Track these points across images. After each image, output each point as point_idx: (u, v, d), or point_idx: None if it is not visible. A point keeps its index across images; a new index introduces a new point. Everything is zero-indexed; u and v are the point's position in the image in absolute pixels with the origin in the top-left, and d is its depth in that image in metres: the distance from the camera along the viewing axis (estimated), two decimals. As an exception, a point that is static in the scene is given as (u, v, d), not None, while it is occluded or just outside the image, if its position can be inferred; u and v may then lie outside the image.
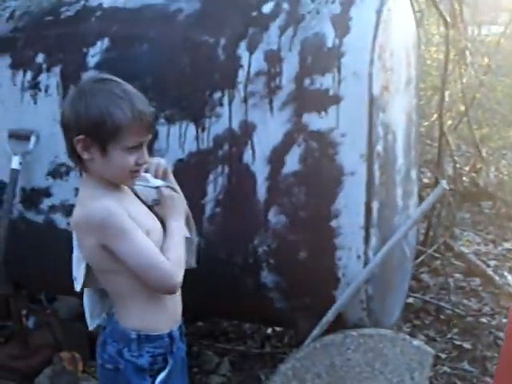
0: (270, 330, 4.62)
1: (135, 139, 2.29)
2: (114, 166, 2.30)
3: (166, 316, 2.48)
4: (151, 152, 3.22)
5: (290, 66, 3.12)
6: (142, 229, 2.32)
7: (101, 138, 2.26)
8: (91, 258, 2.38)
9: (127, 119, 2.25)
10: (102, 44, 3.51)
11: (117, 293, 2.44)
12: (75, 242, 2.46)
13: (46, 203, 3.60)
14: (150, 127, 2.34)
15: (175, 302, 2.52)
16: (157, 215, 2.51)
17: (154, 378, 2.44)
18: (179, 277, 2.36)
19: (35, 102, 3.60)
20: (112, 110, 2.24)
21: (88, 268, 2.44)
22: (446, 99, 6.48)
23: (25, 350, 4.25)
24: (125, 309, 2.44)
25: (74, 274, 2.53)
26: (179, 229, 2.50)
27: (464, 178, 7.32)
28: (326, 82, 3.05)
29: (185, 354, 2.62)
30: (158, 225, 2.46)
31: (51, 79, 3.56)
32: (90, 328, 2.63)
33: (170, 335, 2.48)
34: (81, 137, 2.27)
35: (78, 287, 2.51)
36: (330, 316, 3.12)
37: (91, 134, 2.26)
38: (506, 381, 2.04)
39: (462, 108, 7.16)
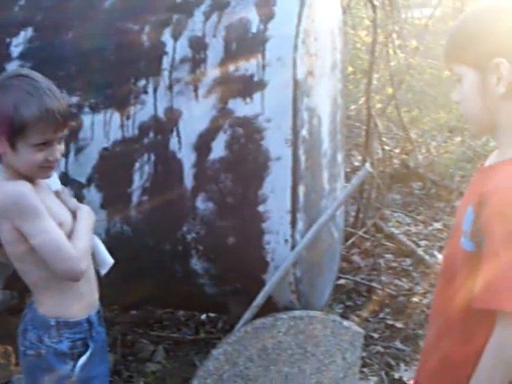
0: (204, 316, 4.62)
1: (42, 137, 2.28)
2: (23, 161, 2.30)
3: (83, 302, 2.50)
4: (76, 141, 3.21)
5: (214, 52, 3.13)
6: (54, 219, 2.32)
7: (8, 134, 2.26)
8: (8, 243, 2.36)
9: (33, 117, 2.24)
10: (26, 33, 3.46)
11: (33, 282, 2.44)
12: None
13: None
14: (59, 126, 2.31)
15: (91, 288, 2.54)
16: None
17: (75, 361, 2.46)
18: (85, 264, 2.36)
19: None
20: (19, 106, 2.23)
21: None
22: (375, 82, 6.55)
23: (-46, 346, 4.19)
24: (42, 297, 2.45)
25: None
26: (87, 219, 2.51)
27: (395, 160, 7.42)
28: (250, 67, 3.06)
29: (105, 337, 2.65)
30: (70, 219, 2.45)
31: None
32: None
33: (89, 320, 2.51)
34: None
35: None
36: (259, 299, 3.14)
37: (0, 129, 2.26)
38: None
39: (391, 91, 7.24)
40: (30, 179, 2.36)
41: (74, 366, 2.46)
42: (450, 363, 1.88)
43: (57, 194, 2.51)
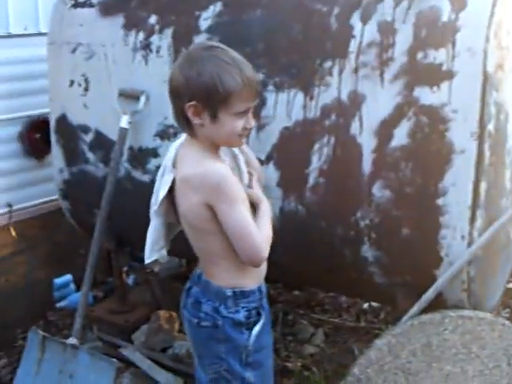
0: (366, 305, 4.59)
1: (244, 105, 2.36)
2: (223, 131, 2.37)
3: (256, 272, 2.56)
4: (259, 119, 3.24)
5: (403, 38, 3.05)
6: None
7: (212, 104, 2.33)
8: (191, 214, 2.45)
9: (238, 86, 2.31)
10: (215, 8, 3.52)
11: (210, 251, 2.52)
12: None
13: (152, 163, 3.67)
14: (257, 93, 2.41)
15: None
16: None
17: (250, 330, 2.55)
18: (266, 253, 2.43)
19: (146, 63, 3.65)
20: (223, 76, 2.30)
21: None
22: None
23: (124, 305, 4.37)
24: (218, 268, 2.53)
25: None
26: (268, 211, 2.56)
27: None
28: (439, 56, 2.97)
29: (269, 309, 2.71)
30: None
31: (163, 41, 3.61)
32: (147, 261, 2.73)
33: (260, 290, 2.60)
34: (192, 103, 2.34)
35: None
36: (429, 294, 3.06)
37: (203, 100, 2.33)
38: None
39: None
40: (218, 151, 2.46)
41: (249, 336, 2.54)
42: None
43: (250, 174, 2.58)
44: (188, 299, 2.61)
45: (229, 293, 2.50)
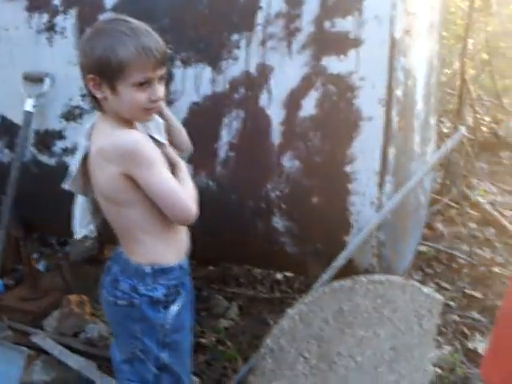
0: (280, 276, 4.63)
1: (142, 75, 2.28)
2: (125, 104, 2.31)
3: (176, 248, 2.54)
4: (167, 94, 3.20)
5: (310, 7, 3.06)
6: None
7: (107, 75, 2.28)
8: (108, 187, 2.38)
9: (131, 55, 2.25)
10: (120, -15, 3.45)
11: (128, 227, 2.46)
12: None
13: (59, 146, 3.59)
14: (157, 63, 2.31)
15: (183, 234, 2.57)
16: None
17: (168, 309, 2.50)
18: (195, 209, 2.39)
19: (51, 45, 3.56)
20: (115, 46, 2.25)
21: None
22: (469, 48, 6.37)
23: (35, 292, 4.30)
24: (136, 244, 2.47)
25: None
26: (187, 171, 2.54)
27: (484, 129, 7.24)
28: (346, 24, 2.99)
29: (192, 289, 2.68)
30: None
31: (67, 21, 3.52)
32: (77, 237, 2.70)
33: (181, 266, 2.55)
34: (90, 76, 2.31)
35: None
36: (340, 261, 3.10)
37: (98, 72, 2.29)
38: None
39: (486, 57, 7.03)
40: (131, 125, 2.40)
41: (166, 314, 2.50)
42: None
43: (160, 146, 2.51)
44: (107, 277, 2.56)
45: (148, 270, 2.45)
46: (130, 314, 2.48)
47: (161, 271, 2.47)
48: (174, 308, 2.51)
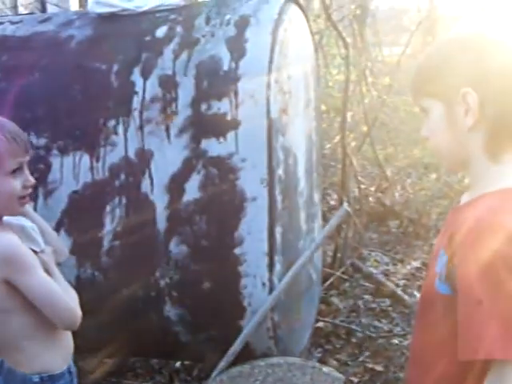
0: (178, 364, 4.49)
1: (15, 161, 2.20)
2: (1, 195, 2.20)
3: (63, 352, 2.40)
4: (45, 185, 3.10)
5: (185, 90, 3.05)
6: None
7: None
8: None
9: (4, 143, 2.17)
10: (-10, 75, 3.36)
11: (11, 335, 2.30)
12: None
13: None
14: (25, 147, 2.24)
15: (68, 336, 2.44)
16: None
17: None
18: (79, 311, 2.30)
19: None
20: None
21: None
22: (349, 120, 6.52)
23: None
24: (20, 353, 2.32)
25: None
26: (53, 261, 2.43)
27: (370, 198, 7.36)
28: (223, 106, 2.99)
29: None
30: None
31: None
32: None
33: (69, 371, 2.41)
34: None
35: None
36: (236, 346, 3.03)
37: None
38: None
39: (365, 128, 7.21)
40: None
41: None
42: None
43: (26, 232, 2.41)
44: None
45: (36, 379, 2.30)
46: None
47: (49, 379, 2.32)
48: None
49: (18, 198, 2.24)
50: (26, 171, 2.26)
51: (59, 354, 2.38)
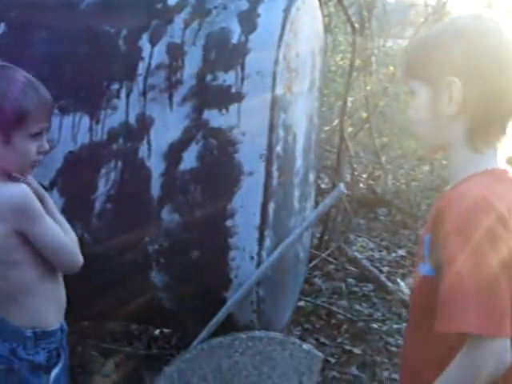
0: (157, 332, 4.52)
1: (39, 125, 2.23)
2: (17, 155, 2.23)
3: (57, 309, 2.44)
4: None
5: (192, 60, 3.05)
6: None
7: (6, 125, 2.18)
8: None
9: (34, 105, 2.19)
10: (-2, 29, 3.35)
11: (10, 288, 2.33)
12: None
13: None
14: (51, 114, 2.34)
15: (62, 293, 2.48)
16: None
17: (48, 373, 2.38)
18: (81, 256, 2.40)
19: None
20: (18, 96, 2.18)
21: None
22: (349, 105, 6.52)
23: None
24: (16, 306, 2.34)
25: None
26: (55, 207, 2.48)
27: (362, 185, 7.40)
28: (228, 78, 2.99)
29: (67, 352, 2.57)
30: None
31: None
32: None
33: (61, 329, 2.45)
34: None
35: None
36: (219, 317, 3.06)
37: None
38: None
39: (365, 115, 7.22)
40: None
41: (48, 379, 2.38)
42: None
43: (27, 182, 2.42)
44: None
45: (28, 333, 2.32)
46: (8, 380, 2.34)
47: (42, 335, 2.35)
48: (55, 371, 2.40)
49: (31, 162, 2.27)
50: (44, 137, 2.28)
51: (54, 311, 2.42)
